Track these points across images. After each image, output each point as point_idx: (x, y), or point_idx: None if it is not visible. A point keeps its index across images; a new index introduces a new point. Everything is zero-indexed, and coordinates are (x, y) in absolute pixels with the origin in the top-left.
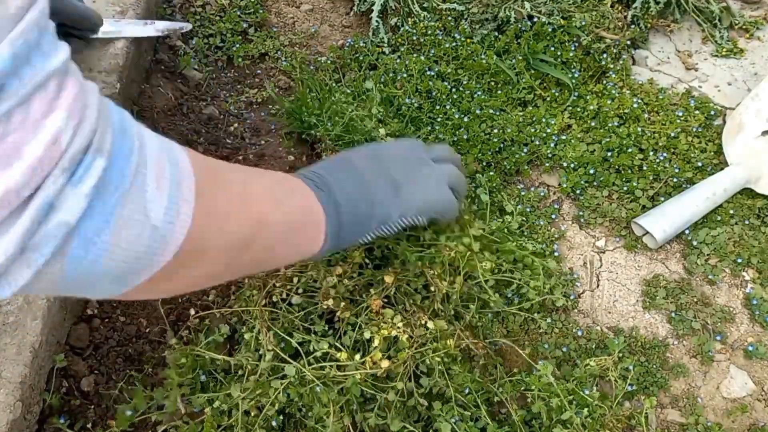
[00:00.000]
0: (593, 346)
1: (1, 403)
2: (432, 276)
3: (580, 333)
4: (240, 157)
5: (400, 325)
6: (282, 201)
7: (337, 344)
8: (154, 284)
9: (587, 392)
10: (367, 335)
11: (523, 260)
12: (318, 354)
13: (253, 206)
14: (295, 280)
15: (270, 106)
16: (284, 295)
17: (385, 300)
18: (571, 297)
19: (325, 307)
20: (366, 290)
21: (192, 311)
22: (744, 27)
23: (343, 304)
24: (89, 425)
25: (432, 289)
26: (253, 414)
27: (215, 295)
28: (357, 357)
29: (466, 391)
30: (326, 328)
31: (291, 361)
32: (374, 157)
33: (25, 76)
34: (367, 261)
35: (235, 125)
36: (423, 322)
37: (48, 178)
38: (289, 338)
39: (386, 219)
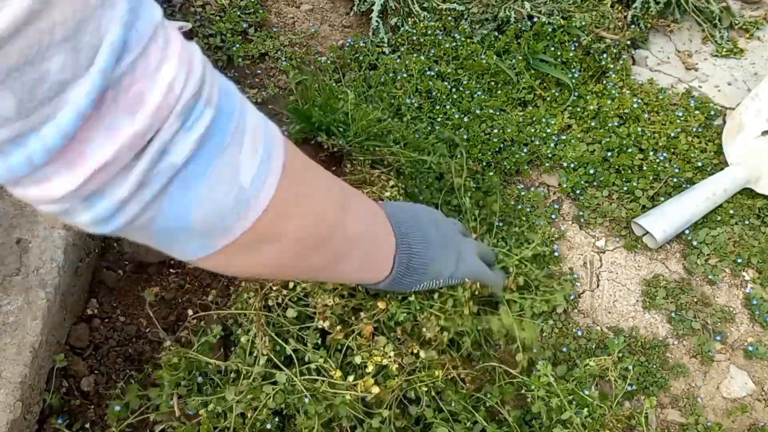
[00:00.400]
0: (593, 346)
1: (1, 403)
2: (423, 320)
3: (580, 333)
4: None
5: (391, 354)
6: (362, 213)
7: (330, 361)
8: (231, 255)
9: (587, 392)
10: (357, 360)
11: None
12: (312, 366)
13: (336, 205)
14: (291, 285)
15: (270, 106)
16: (279, 300)
17: (376, 325)
18: (571, 297)
19: (319, 326)
20: (356, 313)
21: (190, 312)
22: (744, 27)
23: (338, 327)
24: (89, 425)
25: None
26: (249, 416)
27: (214, 295)
28: (350, 379)
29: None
30: (319, 342)
31: (283, 368)
32: (435, 222)
33: (139, 28)
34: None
35: None
36: (414, 351)
37: (165, 122)
38: (284, 344)
39: (439, 275)
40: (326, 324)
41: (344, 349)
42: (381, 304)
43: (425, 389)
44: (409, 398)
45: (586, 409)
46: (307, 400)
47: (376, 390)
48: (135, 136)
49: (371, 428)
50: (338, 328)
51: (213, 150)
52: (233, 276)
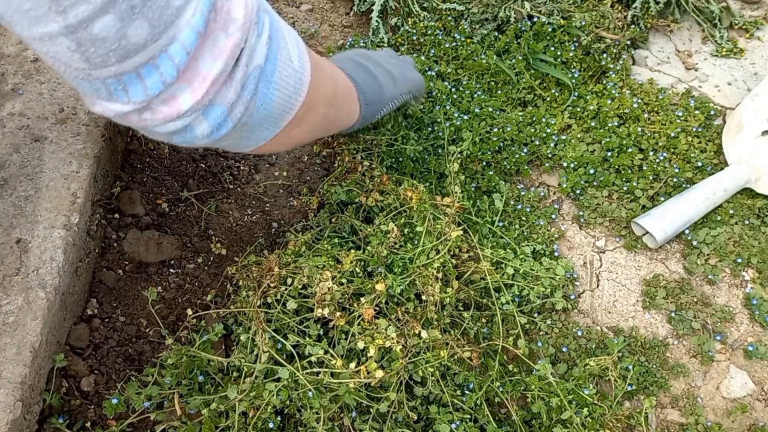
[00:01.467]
0: (593, 346)
1: (1, 403)
2: (423, 285)
3: (580, 333)
4: (239, 156)
5: (393, 335)
6: (339, 76)
7: (332, 351)
8: (288, 131)
9: (587, 392)
10: (360, 345)
11: (531, 268)
12: (313, 359)
13: (335, 77)
14: (289, 281)
15: None
16: (278, 296)
17: (377, 309)
18: (571, 297)
19: (319, 314)
20: (357, 299)
21: (189, 311)
22: (744, 27)
23: (338, 314)
24: (89, 425)
25: (424, 298)
26: (251, 415)
27: (214, 295)
28: (352, 365)
29: (471, 386)
30: (321, 333)
31: (285, 363)
32: (375, 62)
33: None
34: (358, 270)
35: None
36: (416, 331)
37: (249, 33)
38: (284, 341)
39: (391, 99)
40: (326, 312)
41: (347, 336)
42: (380, 287)
43: (431, 370)
44: (415, 380)
45: (585, 409)
46: (311, 395)
47: (380, 374)
48: (234, 48)
49: (379, 413)
50: (338, 314)
51: (275, 46)
52: (280, 150)
